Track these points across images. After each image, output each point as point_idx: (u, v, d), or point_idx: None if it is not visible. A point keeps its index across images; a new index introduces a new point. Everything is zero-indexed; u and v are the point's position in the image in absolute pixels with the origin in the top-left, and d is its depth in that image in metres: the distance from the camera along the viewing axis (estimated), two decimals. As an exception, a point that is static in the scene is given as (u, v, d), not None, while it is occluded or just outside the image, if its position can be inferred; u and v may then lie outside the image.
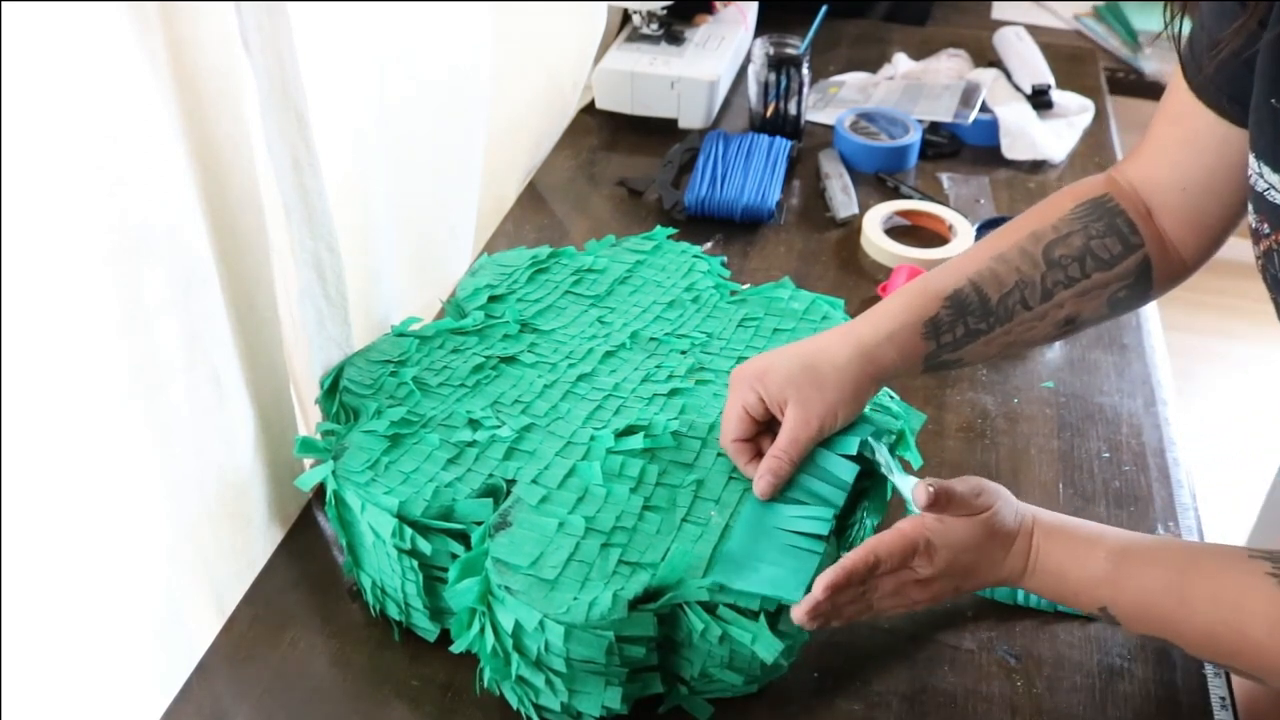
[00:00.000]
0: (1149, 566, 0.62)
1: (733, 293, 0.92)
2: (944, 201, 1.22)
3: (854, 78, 1.50)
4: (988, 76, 1.42)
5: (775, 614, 0.64)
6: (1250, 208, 0.65)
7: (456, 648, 0.67)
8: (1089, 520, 0.75)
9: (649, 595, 0.64)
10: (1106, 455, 0.89)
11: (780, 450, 0.69)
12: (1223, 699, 0.70)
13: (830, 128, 1.34)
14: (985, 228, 1.14)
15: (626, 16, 1.45)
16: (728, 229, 1.17)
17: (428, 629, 0.72)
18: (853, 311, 0.81)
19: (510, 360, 0.83)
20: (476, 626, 0.65)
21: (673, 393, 0.79)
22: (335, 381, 0.80)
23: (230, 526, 0.76)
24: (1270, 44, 0.61)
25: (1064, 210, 0.74)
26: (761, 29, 1.45)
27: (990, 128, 1.34)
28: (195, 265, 0.66)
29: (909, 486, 0.71)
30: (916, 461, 0.78)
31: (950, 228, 1.15)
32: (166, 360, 0.65)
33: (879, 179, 1.27)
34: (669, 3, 1.36)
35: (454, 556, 0.68)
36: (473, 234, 1.09)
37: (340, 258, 0.77)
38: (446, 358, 0.82)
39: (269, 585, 0.77)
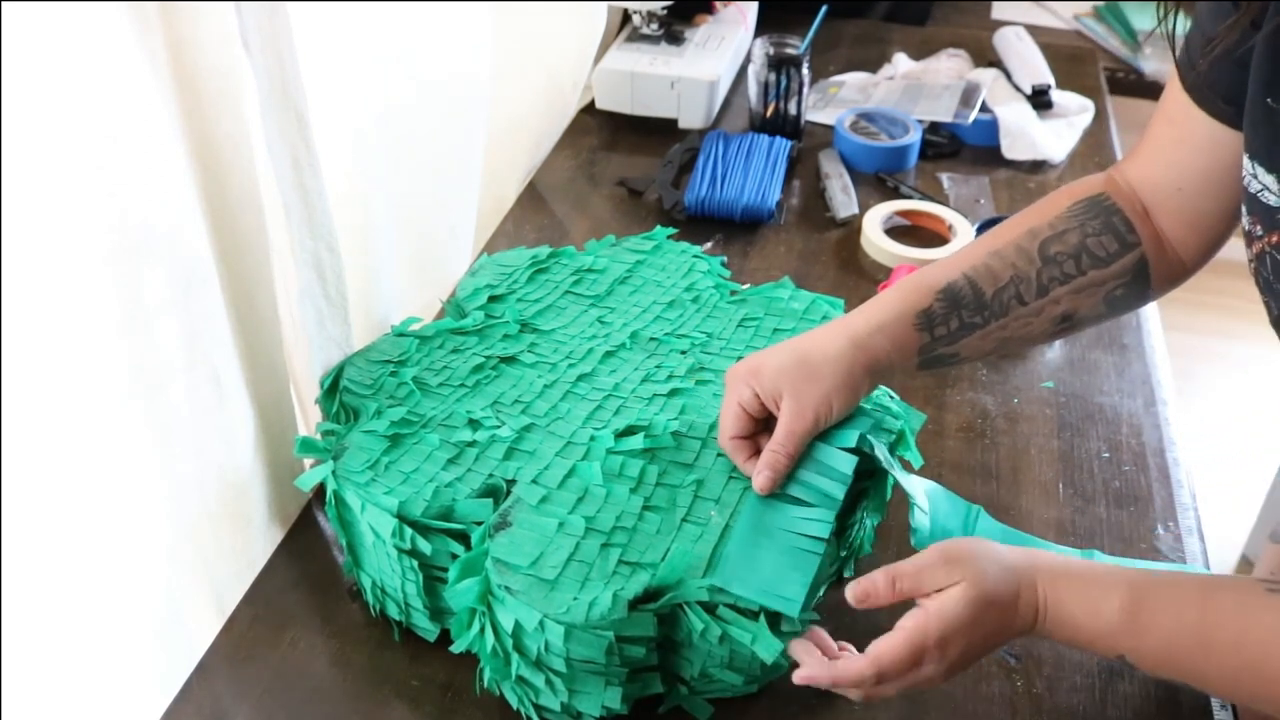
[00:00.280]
0: (1167, 613, 0.59)
1: (733, 293, 0.92)
2: (944, 201, 1.22)
3: (854, 78, 1.50)
4: (988, 76, 1.42)
5: (775, 614, 0.64)
6: (1243, 209, 0.65)
7: (456, 648, 0.67)
8: (1095, 557, 0.75)
9: (649, 595, 0.64)
10: (1106, 455, 0.89)
11: (777, 444, 0.69)
12: (1222, 700, 0.70)
13: (830, 128, 1.35)
14: (985, 228, 1.14)
15: (626, 16, 1.45)
16: (728, 229, 1.17)
17: (428, 629, 0.72)
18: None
19: (510, 360, 0.83)
20: (476, 626, 0.65)
21: (673, 393, 0.79)
22: (335, 381, 0.80)
23: (230, 526, 0.76)
24: (1265, 43, 0.60)
25: (1060, 208, 0.75)
26: (761, 29, 1.45)
27: (990, 128, 1.34)
28: (195, 265, 0.66)
29: (910, 483, 0.71)
30: (917, 461, 0.78)
31: (950, 228, 1.15)
32: (166, 360, 0.65)
33: (879, 179, 1.27)
34: (669, 3, 1.36)
35: (454, 556, 0.68)
36: (473, 234, 1.09)
37: (340, 258, 0.77)
38: (446, 358, 0.82)
39: (269, 585, 0.77)
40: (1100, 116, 1.42)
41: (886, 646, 0.59)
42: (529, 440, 0.75)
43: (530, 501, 0.69)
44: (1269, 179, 0.61)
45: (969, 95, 1.37)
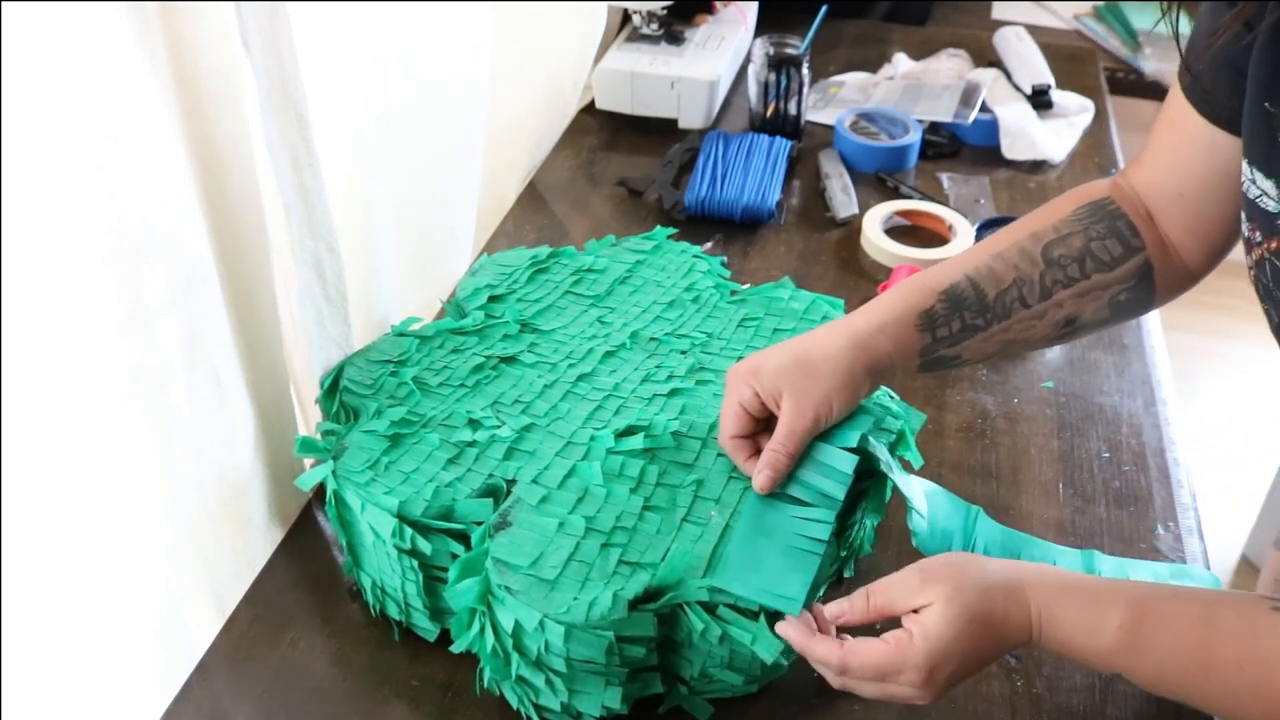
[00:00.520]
0: (1168, 631, 0.58)
1: (733, 293, 0.92)
2: (944, 201, 1.22)
3: (854, 78, 1.50)
4: (988, 76, 1.42)
5: (775, 614, 0.64)
6: (1243, 215, 0.65)
7: (456, 648, 0.67)
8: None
9: (649, 595, 0.64)
10: (1106, 455, 0.89)
11: (777, 444, 0.69)
12: (1223, 699, 0.70)
13: (830, 128, 1.35)
14: (985, 228, 1.14)
15: (626, 16, 1.45)
16: (728, 229, 1.17)
17: (428, 629, 0.72)
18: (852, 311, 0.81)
19: (510, 360, 0.83)
20: (476, 626, 0.65)
21: (673, 393, 0.79)
22: (335, 381, 0.80)
23: (230, 526, 0.76)
24: (1262, 48, 0.60)
25: (1065, 212, 0.74)
26: (761, 29, 1.45)
27: (990, 128, 1.34)
28: (195, 265, 0.66)
29: (909, 486, 0.71)
30: (917, 461, 0.78)
31: (950, 228, 1.15)
32: (166, 360, 0.65)
33: (879, 179, 1.27)
34: (669, 3, 1.36)
35: (454, 556, 0.68)
36: (473, 234, 1.09)
37: (340, 258, 0.77)
38: (446, 358, 0.82)
39: (269, 585, 0.77)
40: (1100, 116, 1.42)
41: (861, 647, 0.60)
42: (529, 440, 0.75)
43: (530, 501, 0.69)
44: (1267, 184, 0.61)
45: (969, 95, 1.37)
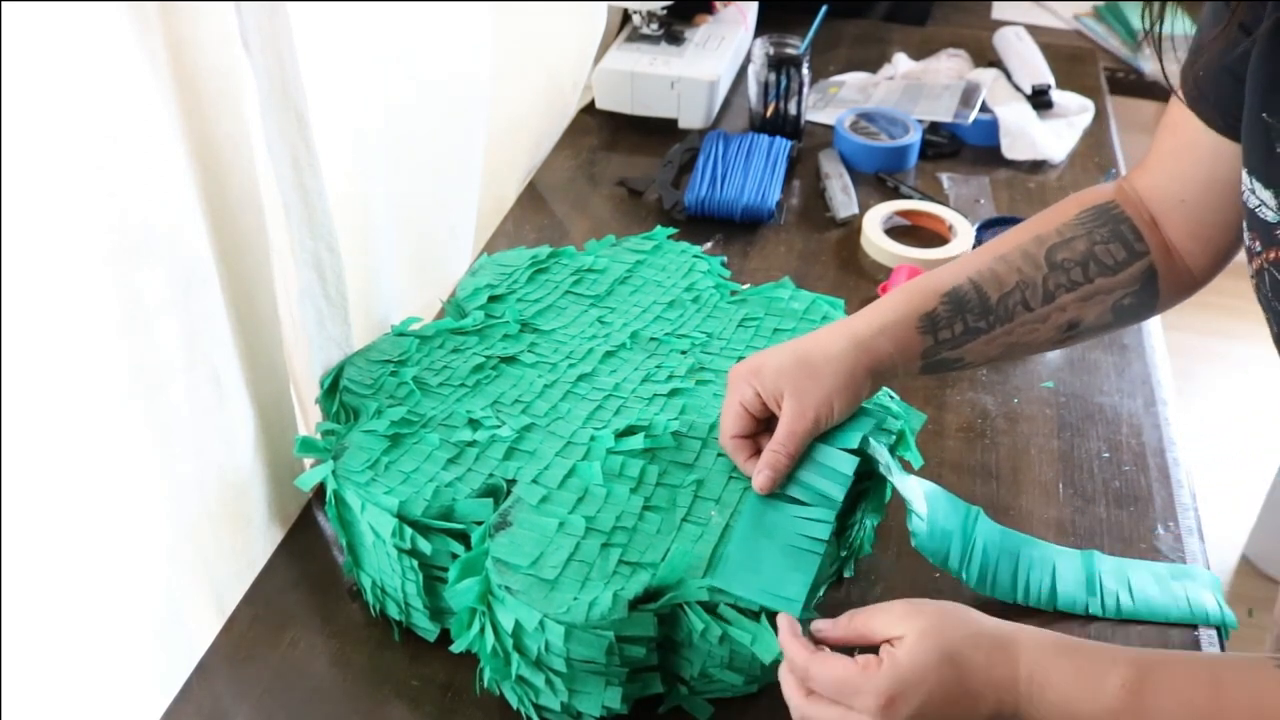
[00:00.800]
0: (1173, 693, 0.56)
1: (733, 293, 0.92)
2: (944, 201, 1.22)
3: (854, 78, 1.50)
4: (988, 76, 1.42)
5: (775, 614, 0.64)
6: (1244, 224, 0.64)
7: (456, 648, 0.67)
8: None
9: (649, 595, 0.64)
10: (1106, 455, 0.89)
11: (778, 444, 0.69)
12: (1223, 699, 0.70)
13: (830, 128, 1.35)
14: (985, 228, 1.15)
15: (626, 16, 1.45)
16: (728, 229, 1.17)
17: (428, 629, 0.72)
18: (853, 311, 0.81)
19: (510, 360, 0.83)
20: (476, 626, 0.65)
21: (673, 393, 0.79)
22: (335, 381, 0.80)
23: (230, 526, 0.76)
24: (1259, 56, 0.60)
25: (1068, 216, 0.74)
26: (761, 29, 1.45)
27: (990, 128, 1.34)
28: (195, 265, 0.66)
29: (908, 488, 0.71)
30: (917, 461, 0.77)
31: (950, 228, 1.15)
32: (166, 360, 0.65)
33: (879, 179, 1.27)
34: (669, 3, 1.36)
35: (454, 556, 0.68)
36: (473, 234, 1.09)
37: (340, 258, 0.77)
38: (446, 358, 0.82)
39: (269, 585, 0.77)
40: (1100, 116, 1.42)
41: (828, 658, 0.58)
42: (529, 440, 0.75)
43: (530, 501, 0.69)
44: (1266, 194, 0.61)
45: (969, 95, 1.37)
